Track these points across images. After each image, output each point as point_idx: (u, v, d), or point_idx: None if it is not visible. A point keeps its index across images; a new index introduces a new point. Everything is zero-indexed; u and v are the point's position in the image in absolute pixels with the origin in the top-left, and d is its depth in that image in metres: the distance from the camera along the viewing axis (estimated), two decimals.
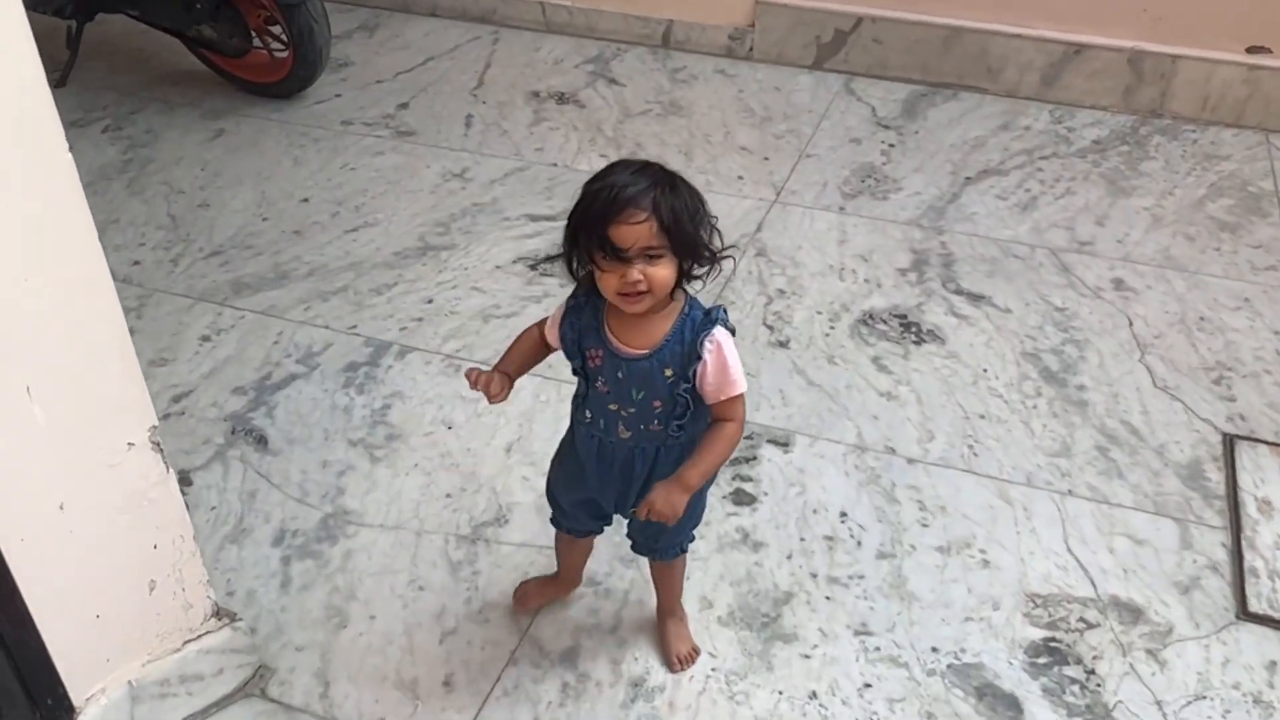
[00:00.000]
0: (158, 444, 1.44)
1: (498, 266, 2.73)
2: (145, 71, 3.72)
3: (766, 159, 3.19)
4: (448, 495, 2.09)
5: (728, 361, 1.39)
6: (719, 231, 1.41)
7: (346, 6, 4.12)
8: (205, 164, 3.21)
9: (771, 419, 2.25)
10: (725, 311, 1.43)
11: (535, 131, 3.34)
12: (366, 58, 3.79)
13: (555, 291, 2.62)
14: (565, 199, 2.99)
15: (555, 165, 3.16)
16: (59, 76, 3.63)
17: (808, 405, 2.29)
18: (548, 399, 2.29)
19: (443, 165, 3.16)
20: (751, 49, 3.73)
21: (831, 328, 2.51)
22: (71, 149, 3.20)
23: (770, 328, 2.51)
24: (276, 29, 3.40)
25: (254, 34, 3.43)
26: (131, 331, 2.52)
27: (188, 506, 2.06)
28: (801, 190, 3.04)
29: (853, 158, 3.19)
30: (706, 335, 1.38)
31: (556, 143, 3.28)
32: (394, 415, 2.28)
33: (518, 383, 1.55)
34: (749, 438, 2.20)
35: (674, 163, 3.15)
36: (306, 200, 3.03)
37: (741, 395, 1.42)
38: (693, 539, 1.72)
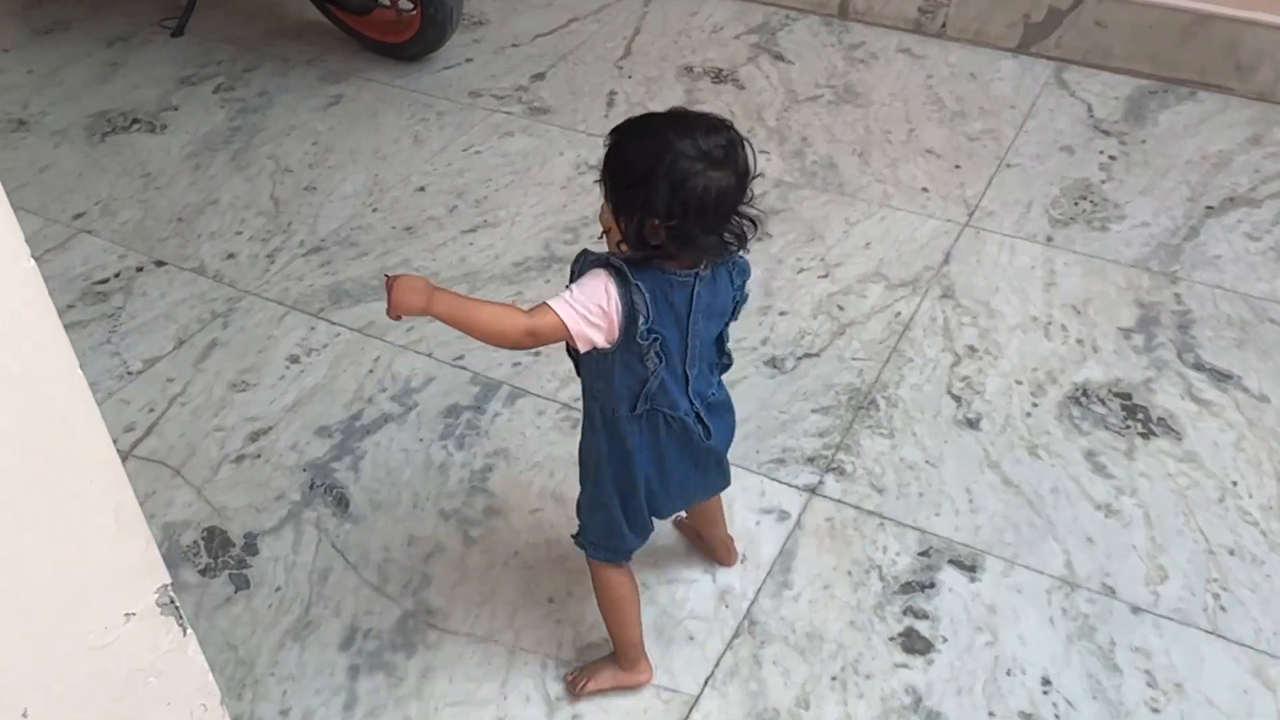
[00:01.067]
0: (170, 603, 1.10)
1: None
2: (265, 23, 3.41)
3: (957, 167, 2.68)
4: (550, 600, 1.73)
5: (575, 283, 1.28)
6: (665, 225, 1.22)
7: None
8: (318, 137, 2.88)
9: (955, 530, 1.81)
10: (630, 267, 1.26)
11: None
12: (503, 16, 3.39)
13: None
14: None
15: None
16: (176, 25, 3.35)
17: (1002, 514, 1.84)
18: None
19: (577, 153, 2.76)
20: (945, 25, 3.18)
21: (1034, 405, 2.03)
22: (178, 109, 2.88)
23: (956, 399, 2.05)
24: None
25: None
26: (214, 344, 2.27)
27: (249, 582, 1.76)
28: (999, 212, 2.53)
29: (1064, 171, 2.65)
30: (596, 268, 1.28)
31: None
32: (496, 481, 1.92)
33: None
34: (925, 554, 1.77)
35: (847, 166, 2.69)
36: (422, 189, 2.67)
37: (546, 306, 1.27)
38: (587, 549, 1.51)
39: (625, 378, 1.33)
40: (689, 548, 1.79)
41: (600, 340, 1.28)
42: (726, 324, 1.39)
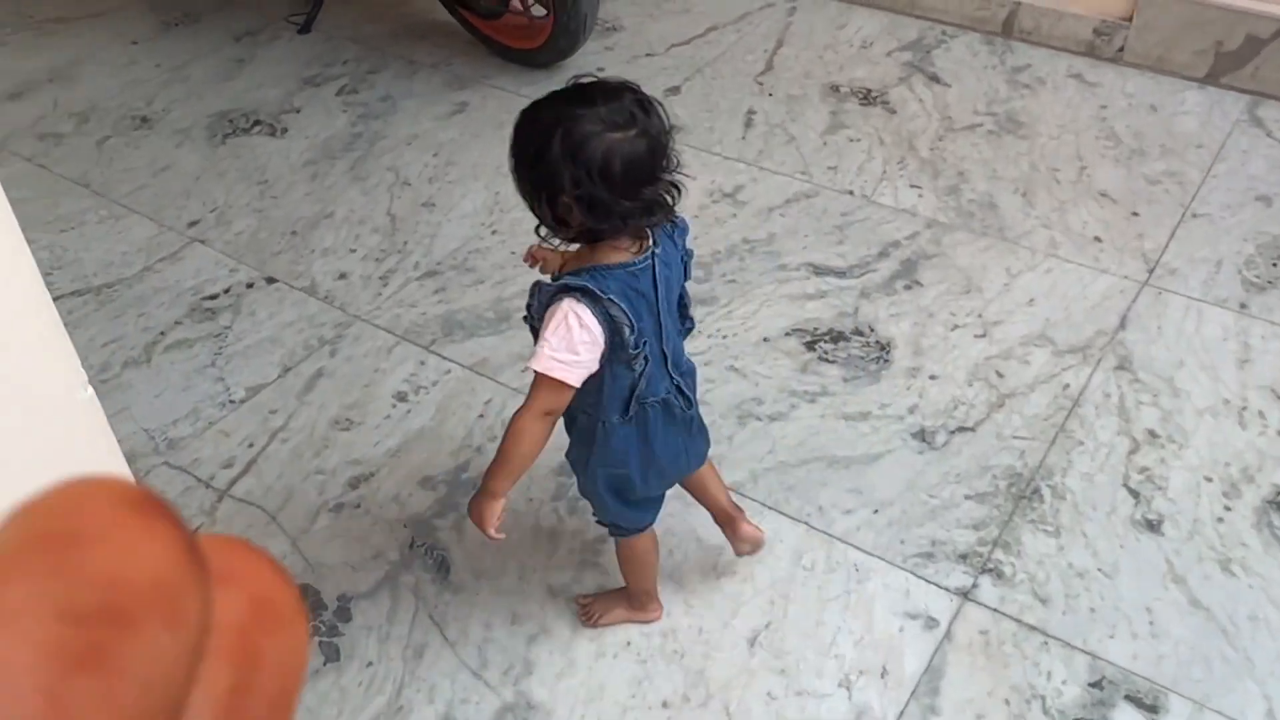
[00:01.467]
0: None
1: (765, 339, 2.12)
2: (393, 22, 3.29)
3: (1135, 214, 2.40)
4: (664, 704, 1.55)
5: (545, 330, 1.21)
6: (570, 200, 1.18)
7: None
8: (439, 148, 2.75)
9: (1132, 658, 1.57)
10: (594, 282, 1.21)
11: (830, 142, 2.68)
12: (639, 23, 3.21)
13: (835, 387, 2.00)
14: (860, 245, 2.34)
15: (851, 194, 2.50)
16: (303, 21, 3.26)
17: (1189, 642, 1.59)
18: (812, 564, 1.70)
19: (711, 178, 2.56)
20: (1123, 49, 2.88)
21: (1227, 509, 1.77)
22: (300, 112, 2.77)
23: (1134, 494, 1.80)
24: None
25: None
26: (320, 375, 2.14)
27: (339, 654, 1.63)
28: (1185, 270, 2.25)
29: (1260, 225, 2.35)
30: (558, 300, 1.22)
31: (855, 160, 2.61)
32: (610, 555, 1.75)
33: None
34: (1097, 685, 1.53)
35: (1009, 207, 2.43)
36: None
37: (538, 379, 1.24)
38: (608, 528, 1.53)
39: (614, 388, 1.30)
40: (818, 649, 1.59)
41: (594, 367, 1.24)
42: (683, 284, 1.35)
